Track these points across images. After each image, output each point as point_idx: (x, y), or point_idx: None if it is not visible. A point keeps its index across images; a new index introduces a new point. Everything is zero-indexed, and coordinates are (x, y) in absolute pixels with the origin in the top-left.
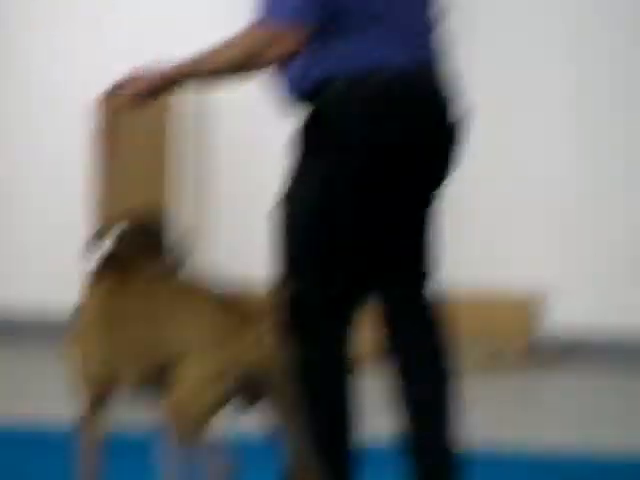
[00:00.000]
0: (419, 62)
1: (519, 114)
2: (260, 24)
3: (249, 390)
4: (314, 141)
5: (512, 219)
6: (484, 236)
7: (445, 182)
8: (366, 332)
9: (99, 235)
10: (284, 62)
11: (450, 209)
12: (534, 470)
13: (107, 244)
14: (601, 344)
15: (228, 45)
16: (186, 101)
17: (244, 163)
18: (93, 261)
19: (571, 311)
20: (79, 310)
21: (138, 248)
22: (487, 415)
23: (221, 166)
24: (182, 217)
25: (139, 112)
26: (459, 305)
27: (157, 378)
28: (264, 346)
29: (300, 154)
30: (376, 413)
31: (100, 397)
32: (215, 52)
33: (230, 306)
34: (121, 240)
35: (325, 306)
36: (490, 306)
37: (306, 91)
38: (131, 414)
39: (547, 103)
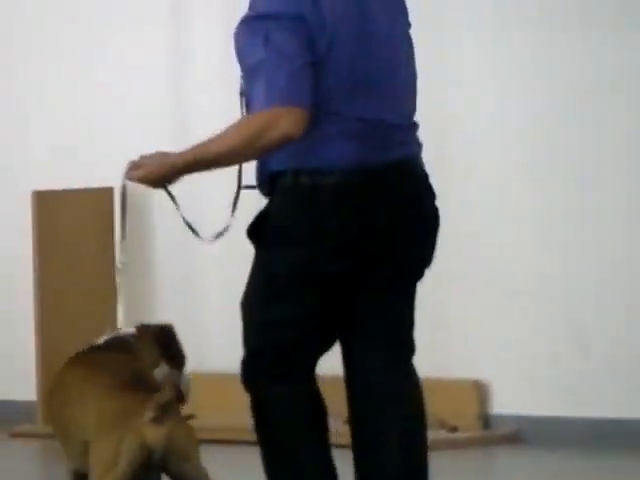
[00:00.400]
0: (375, 159)
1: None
2: (257, 110)
3: (152, 467)
4: (263, 233)
5: (452, 308)
6: (426, 324)
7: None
8: None
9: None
10: (284, 145)
11: None
12: None
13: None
14: (542, 432)
15: (228, 132)
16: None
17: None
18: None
19: (514, 399)
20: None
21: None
22: None
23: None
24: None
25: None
26: None
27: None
28: (161, 422)
29: (256, 245)
30: None
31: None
32: (215, 140)
33: (132, 385)
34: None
35: (272, 369)
36: (439, 389)
37: (263, 183)
38: None
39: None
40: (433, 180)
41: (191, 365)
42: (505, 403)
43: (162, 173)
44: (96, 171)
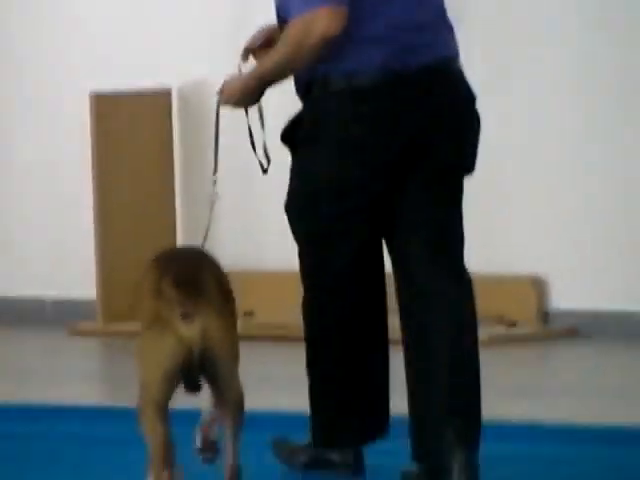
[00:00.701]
0: (405, 62)
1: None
2: (297, 16)
3: (193, 365)
4: (297, 138)
5: (512, 204)
6: (484, 221)
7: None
8: None
9: None
10: (330, 44)
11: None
12: (548, 441)
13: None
14: (604, 327)
15: (280, 42)
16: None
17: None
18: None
19: (573, 295)
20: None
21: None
22: (505, 386)
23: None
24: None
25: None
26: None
27: None
28: (191, 318)
29: (291, 150)
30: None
31: None
32: (272, 53)
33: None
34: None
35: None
36: (498, 285)
37: (299, 90)
38: None
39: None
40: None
41: (251, 263)
42: (564, 298)
43: (242, 94)
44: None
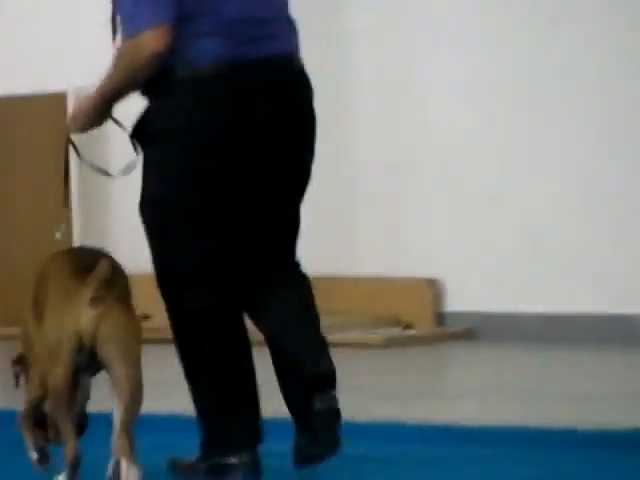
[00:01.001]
0: (246, 53)
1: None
2: (125, 39)
3: (84, 351)
4: (148, 128)
5: (408, 206)
6: (381, 224)
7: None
8: None
9: None
10: (159, 63)
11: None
12: (442, 442)
13: None
14: (499, 328)
15: (112, 67)
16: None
17: None
18: None
19: (468, 297)
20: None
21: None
22: (400, 388)
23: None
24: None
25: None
26: (365, 287)
27: None
28: (96, 306)
29: (141, 147)
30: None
31: None
32: (108, 76)
33: (77, 273)
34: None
35: (192, 273)
36: (394, 287)
37: (144, 85)
38: None
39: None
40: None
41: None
42: (459, 300)
43: (89, 118)
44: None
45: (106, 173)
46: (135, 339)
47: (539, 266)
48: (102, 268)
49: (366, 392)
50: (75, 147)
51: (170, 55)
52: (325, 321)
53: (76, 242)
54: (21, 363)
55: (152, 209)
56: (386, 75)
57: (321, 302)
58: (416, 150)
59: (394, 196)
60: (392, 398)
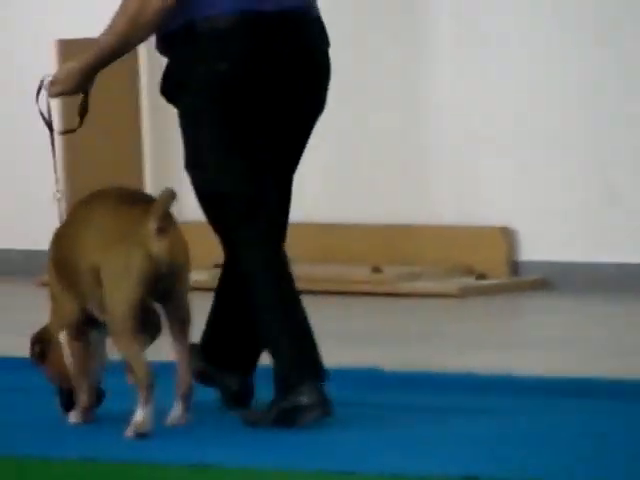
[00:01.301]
0: (262, 6)
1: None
2: None
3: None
4: (173, 84)
5: (481, 155)
6: (455, 173)
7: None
8: None
9: None
10: (166, 15)
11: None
12: (517, 392)
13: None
14: (573, 278)
15: (114, 21)
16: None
17: None
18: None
19: (543, 246)
20: None
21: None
22: (474, 338)
23: None
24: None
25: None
26: (439, 236)
27: None
28: (165, 233)
29: (171, 103)
30: None
31: None
32: (107, 33)
33: (132, 202)
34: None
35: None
36: (468, 237)
37: (164, 42)
38: None
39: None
40: None
41: None
42: (534, 250)
43: (76, 81)
44: None
45: (50, 127)
46: (189, 264)
47: (618, 215)
48: (165, 198)
49: (439, 342)
50: (84, 104)
51: (182, 11)
52: (399, 270)
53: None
54: (42, 342)
55: (195, 157)
56: (462, 24)
57: (395, 251)
58: (493, 98)
59: (469, 144)
60: (466, 348)
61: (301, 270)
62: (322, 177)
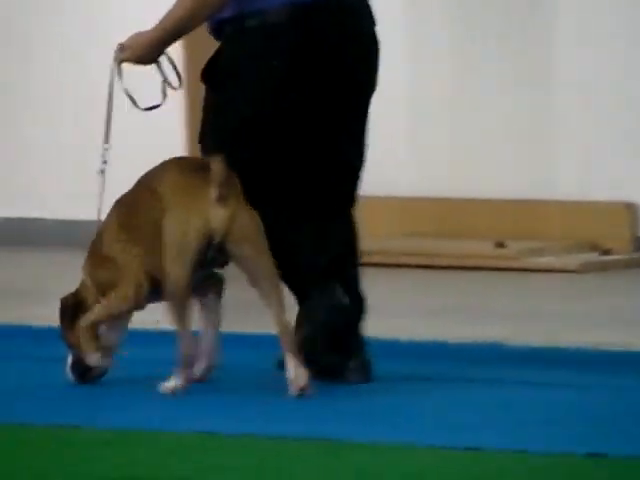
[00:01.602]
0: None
1: None
2: None
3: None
4: (216, 77)
5: (606, 131)
6: (579, 149)
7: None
8: None
9: None
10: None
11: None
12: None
13: None
14: None
15: (177, 2)
16: None
17: None
18: None
19: None
20: None
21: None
22: (599, 314)
23: None
24: None
25: None
26: (562, 211)
27: None
28: (224, 202)
29: (209, 88)
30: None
31: None
32: (176, 6)
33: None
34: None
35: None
36: (592, 212)
37: (214, 29)
38: None
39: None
40: None
41: None
42: None
43: (144, 50)
44: None
45: (134, 103)
46: (263, 235)
47: None
48: (218, 167)
49: (560, 318)
50: (175, 67)
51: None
52: (521, 246)
53: None
54: (75, 306)
55: (218, 146)
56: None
57: (519, 227)
58: (620, 75)
59: (589, 119)
60: (586, 325)
61: (424, 245)
62: (449, 153)
